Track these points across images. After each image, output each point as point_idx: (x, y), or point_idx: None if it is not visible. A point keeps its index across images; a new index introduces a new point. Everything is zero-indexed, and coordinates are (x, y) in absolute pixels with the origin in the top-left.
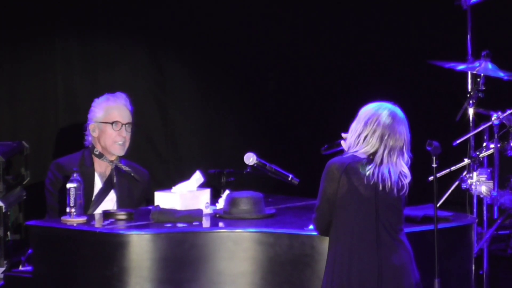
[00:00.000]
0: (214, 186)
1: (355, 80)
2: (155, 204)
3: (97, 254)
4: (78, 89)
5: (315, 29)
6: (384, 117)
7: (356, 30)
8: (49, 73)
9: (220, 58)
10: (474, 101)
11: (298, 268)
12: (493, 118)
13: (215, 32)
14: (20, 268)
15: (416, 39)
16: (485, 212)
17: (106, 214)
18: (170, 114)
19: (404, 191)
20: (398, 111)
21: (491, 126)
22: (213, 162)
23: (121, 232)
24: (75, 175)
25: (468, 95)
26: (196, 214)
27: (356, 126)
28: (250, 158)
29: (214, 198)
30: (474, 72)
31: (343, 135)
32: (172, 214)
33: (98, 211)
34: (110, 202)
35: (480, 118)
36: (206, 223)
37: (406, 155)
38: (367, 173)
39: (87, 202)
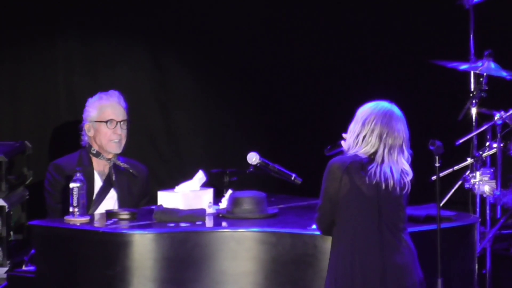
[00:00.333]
0: (216, 185)
1: (358, 79)
2: (158, 203)
3: (100, 253)
4: (80, 89)
5: (318, 29)
6: (381, 116)
7: (358, 30)
8: (50, 73)
9: (222, 57)
10: (476, 100)
11: (300, 267)
12: (495, 118)
13: (216, 31)
14: (23, 268)
15: (418, 39)
16: (488, 211)
17: (109, 214)
18: (171, 113)
19: (406, 189)
20: (395, 109)
21: (494, 126)
22: (216, 162)
23: (124, 231)
24: (78, 174)
25: (471, 95)
26: (199, 214)
27: (354, 126)
28: (253, 158)
29: (217, 198)
30: (477, 71)
31: (344, 135)
32: (175, 214)
33: (99, 210)
34: (111, 200)
35: (483, 117)
36: (209, 222)
37: (406, 152)
38: (369, 173)
39: (88, 201)
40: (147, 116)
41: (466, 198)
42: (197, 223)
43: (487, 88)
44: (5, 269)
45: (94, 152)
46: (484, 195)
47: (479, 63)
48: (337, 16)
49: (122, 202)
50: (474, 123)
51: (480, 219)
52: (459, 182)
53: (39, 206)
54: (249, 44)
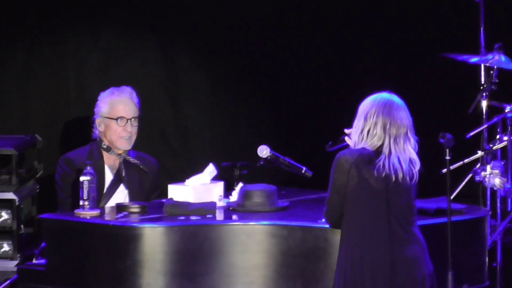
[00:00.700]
0: (227, 179)
1: (368, 73)
2: (168, 197)
3: (110, 247)
4: (90, 83)
5: (327, 23)
6: (382, 107)
7: (368, 24)
8: (61, 67)
9: (232, 51)
10: (487, 93)
11: (311, 261)
12: (506, 111)
13: (227, 25)
14: (34, 261)
15: (428, 32)
16: (498, 204)
17: (119, 207)
18: (182, 107)
19: (415, 179)
20: (395, 98)
21: (504, 119)
22: (226, 155)
23: (134, 225)
24: (88, 168)
25: (481, 88)
26: (209, 207)
27: (357, 123)
28: (264, 151)
29: (228, 191)
30: (487, 64)
31: (346, 130)
32: (185, 207)
33: (110, 203)
34: (121, 194)
35: (493, 110)
36: (219, 216)
37: (412, 139)
38: (377, 166)
39: (99, 195)
40: (158, 110)
41: (476, 191)
42: (208, 216)
43: (497, 81)
44: (16, 262)
45: (105, 147)
46: (495, 188)
47: (490, 56)
48: (346, 10)
49: (132, 196)
50: (484, 116)
51: (490, 212)
52: (470, 175)
53: (49, 200)
54: (260, 39)
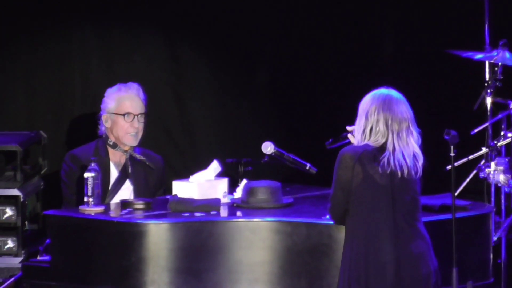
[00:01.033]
0: (231, 175)
1: (373, 70)
2: (173, 193)
3: (114, 243)
4: (95, 79)
5: (333, 20)
6: (382, 103)
7: (372, 20)
8: (65, 63)
9: (237, 48)
10: (492, 90)
11: (315, 257)
12: (511, 107)
13: (232, 22)
14: (38, 258)
15: (433, 29)
16: (503, 201)
17: (124, 204)
18: (186, 103)
19: (419, 173)
20: (393, 93)
21: (509, 115)
22: (231, 152)
23: (138, 221)
24: (92, 164)
25: (486, 84)
26: (213, 204)
27: (359, 122)
28: (268, 147)
29: (232, 188)
30: (492, 61)
31: (348, 128)
32: (189, 204)
33: (115, 200)
34: (126, 191)
35: (498, 107)
36: (223, 212)
37: (415, 132)
38: (381, 162)
39: (104, 192)
40: (163, 106)
41: (481, 188)
42: (212, 212)
43: (502, 77)
44: (20, 258)
45: (111, 143)
46: (499, 185)
47: (494, 53)
48: (351, 7)
49: (138, 193)
50: (489, 113)
51: (495, 209)
52: (474, 172)
53: (54, 196)
54: (264, 37)
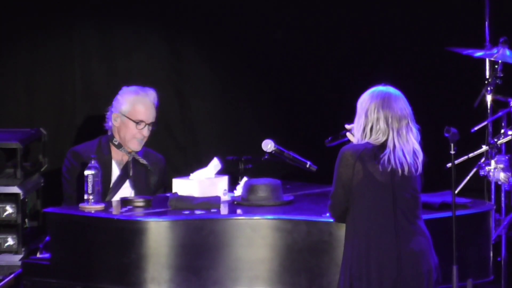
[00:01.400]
0: (232, 173)
1: (373, 68)
2: (173, 191)
3: (115, 241)
4: (96, 76)
5: (333, 18)
6: (381, 101)
7: (372, 18)
8: (66, 60)
9: (238, 45)
10: (492, 87)
11: (316, 254)
12: (511, 105)
13: (232, 20)
14: (38, 255)
15: (433, 26)
16: (503, 198)
17: (124, 201)
18: (187, 100)
19: (419, 170)
20: (391, 90)
21: (509, 113)
22: (231, 149)
23: (139, 219)
24: (93, 162)
25: (486, 82)
26: (214, 201)
27: (358, 120)
28: (268, 145)
29: (232, 185)
30: (492, 59)
31: (347, 126)
32: (190, 201)
33: (116, 198)
34: (127, 190)
35: (498, 104)
36: (224, 210)
37: (414, 129)
38: (382, 160)
39: (105, 190)
40: (163, 103)
41: (481, 185)
42: (212, 210)
43: (502, 75)
44: (20, 256)
45: (116, 143)
46: (499, 182)
47: (494, 50)
48: (350, 4)
49: (138, 192)
50: (489, 110)
51: (495, 206)
52: (474, 169)
53: (54, 193)
54: (265, 33)
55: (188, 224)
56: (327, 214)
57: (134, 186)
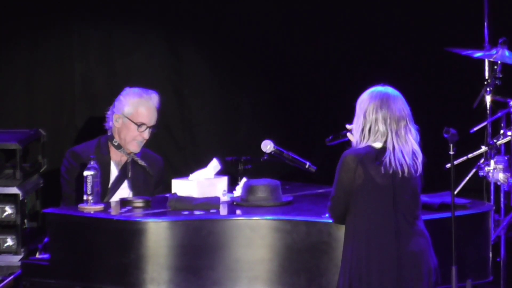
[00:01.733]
0: (231, 173)
1: (373, 68)
2: (172, 191)
3: (114, 241)
4: (95, 77)
5: (333, 18)
6: (379, 101)
7: (372, 18)
8: (66, 60)
9: (237, 45)
10: (491, 88)
11: (315, 255)
12: (510, 105)
13: (232, 19)
14: (37, 255)
15: (432, 27)
16: (502, 199)
17: (123, 202)
18: (187, 101)
19: (419, 171)
20: (390, 90)
21: (508, 114)
22: (230, 150)
23: (138, 219)
24: (92, 162)
25: (485, 83)
26: (213, 202)
27: (357, 121)
28: (267, 146)
29: (231, 186)
30: (491, 59)
31: (348, 126)
32: (189, 202)
33: (114, 198)
34: (125, 190)
35: (497, 105)
36: (223, 210)
37: (413, 129)
38: (384, 162)
39: (103, 190)
40: (163, 103)
41: (480, 186)
42: (212, 211)
43: (501, 75)
44: (20, 257)
45: (116, 144)
46: (499, 183)
47: (494, 51)
48: (351, 4)
49: (136, 192)
50: (488, 111)
51: (494, 207)
52: (474, 170)
53: (53, 194)
54: (265, 34)
55: (187, 224)
56: (326, 215)
57: (132, 187)
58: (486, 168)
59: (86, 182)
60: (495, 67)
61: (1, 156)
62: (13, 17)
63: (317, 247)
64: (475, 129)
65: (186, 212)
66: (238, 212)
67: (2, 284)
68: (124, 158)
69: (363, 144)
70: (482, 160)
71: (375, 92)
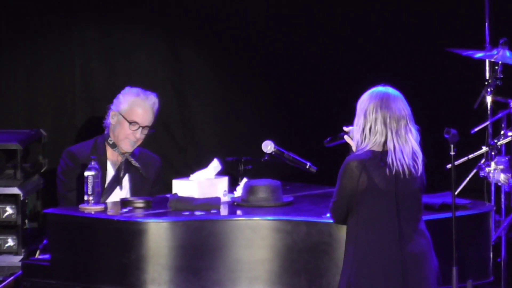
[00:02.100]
0: (232, 174)
1: (373, 69)
2: (173, 192)
3: (115, 242)
4: (95, 77)
5: (333, 19)
6: (379, 101)
7: (372, 18)
8: (66, 61)
9: (238, 46)
10: (492, 89)
11: (315, 255)
12: (511, 106)
13: (232, 20)
14: (37, 256)
15: (433, 27)
16: (503, 200)
17: (124, 202)
18: (187, 101)
19: (420, 171)
20: (390, 90)
21: (509, 114)
22: (231, 150)
23: (139, 220)
24: (93, 163)
25: (486, 83)
26: (214, 202)
27: (357, 121)
28: (268, 146)
29: (232, 186)
30: (492, 60)
31: (345, 128)
32: (189, 202)
33: (111, 199)
34: (122, 190)
35: (498, 106)
36: (224, 211)
37: (413, 129)
38: (387, 164)
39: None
40: (163, 104)
41: (481, 187)
42: (212, 211)
43: (502, 76)
44: (20, 257)
45: (111, 142)
46: (499, 184)
47: (494, 51)
48: (350, 5)
49: (132, 193)
50: (489, 112)
51: (495, 208)
52: (474, 171)
53: (54, 194)
54: (265, 34)
55: (188, 225)
56: (327, 215)
57: (128, 187)
58: (487, 169)
59: (87, 182)
60: (496, 67)
61: (2, 156)
62: (14, 18)
63: (318, 247)
64: (476, 129)
65: (186, 213)
66: (238, 212)
67: (2, 284)
68: (120, 158)
69: (364, 145)
70: (482, 161)
71: (375, 92)
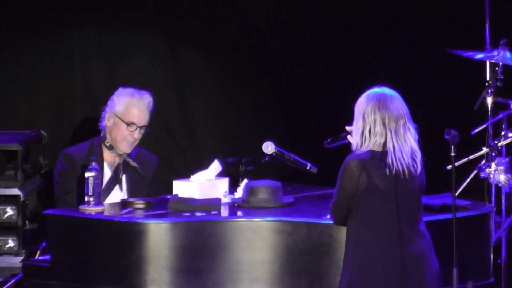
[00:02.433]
0: (232, 175)
1: (373, 69)
2: (173, 193)
3: (115, 242)
4: (96, 78)
5: (334, 19)
6: (377, 102)
7: (373, 19)
8: (66, 62)
9: (238, 47)
10: (492, 90)
11: (316, 257)
12: (511, 107)
13: (232, 21)
14: (36, 257)
15: (434, 28)
16: (503, 201)
17: (124, 203)
18: (187, 102)
19: (419, 170)
20: (387, 90)
21: (509, 115)
22: (232, 151)
23: (139, 221)
24: (93, 164)
25: (487, 84)
26: (214, 203)
27: (356, 123)
28: (269, 147)
29: (233, 187)
30: (493, 61)
31: (348, 128)
32: (190, 203)
33: (109, 200)
34: (119, 191)
35: (499, 107)
36: (224, 212)
37: (412, 128)
38: (387, 164)
39: None
40: (164, 105)
41: (481, 188)
42: (213, 212)
43: (502, 77)
44: (21, 258)
45: (108, 144)
46: (500, 185)
47: (495, 52)
48: (351, 6)
49: (130, 194)
50: (489, 113)
51: (495, 209)
52: (475, 172)
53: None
54: (265, 35)
55: (188, 226)
56: (328, 216)
57: (126, 188)
58: (487, 170)
59: (87, 183)
60: (496, 68)
61: (2, 157)
62: (14, 18)
63: (318, 248)
64: (476, 130)
65: (187, 214)
66: (239, 213)
67: (5, 286)
68: (117, 160)
69: (364, 147)
70: (483, 162)
71: (372, 94)
